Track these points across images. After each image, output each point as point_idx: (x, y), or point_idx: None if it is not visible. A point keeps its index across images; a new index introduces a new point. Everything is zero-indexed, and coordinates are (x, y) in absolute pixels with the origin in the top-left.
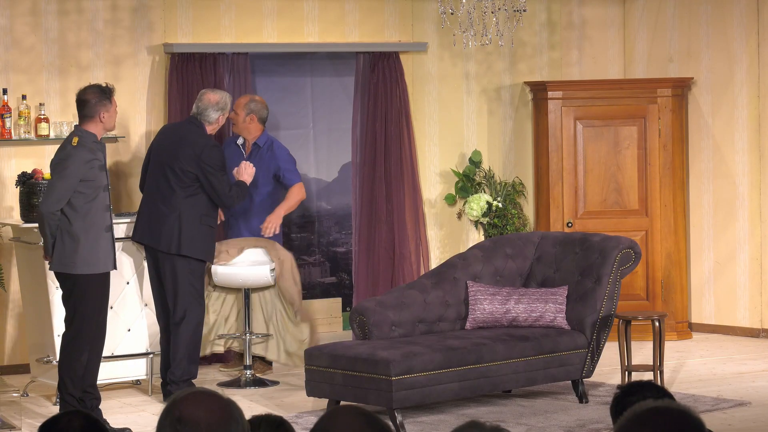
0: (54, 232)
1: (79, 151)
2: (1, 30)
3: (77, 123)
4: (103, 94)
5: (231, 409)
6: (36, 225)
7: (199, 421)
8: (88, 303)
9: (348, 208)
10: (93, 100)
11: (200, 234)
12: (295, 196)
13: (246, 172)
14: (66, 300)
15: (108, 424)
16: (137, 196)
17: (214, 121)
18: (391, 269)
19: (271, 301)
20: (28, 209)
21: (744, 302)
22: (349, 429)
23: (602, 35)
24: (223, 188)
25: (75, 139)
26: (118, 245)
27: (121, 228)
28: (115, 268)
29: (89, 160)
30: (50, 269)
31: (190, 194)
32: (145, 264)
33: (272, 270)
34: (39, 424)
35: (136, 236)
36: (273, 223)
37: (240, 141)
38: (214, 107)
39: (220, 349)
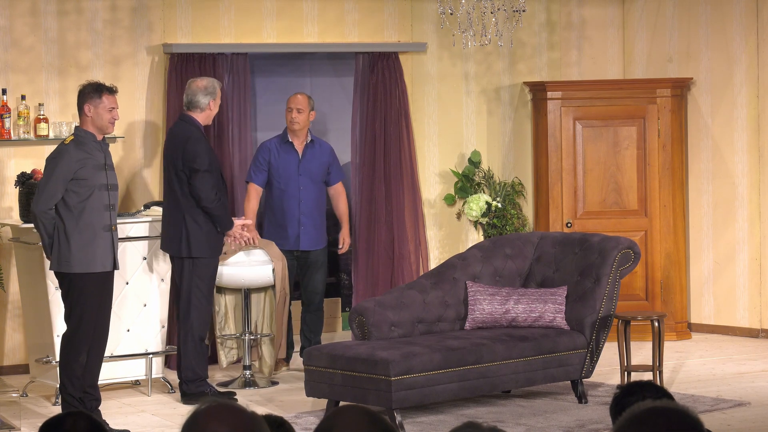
0: (50, 232)
1: (70, 150)
2: (0, 30)
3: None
4: (94, 89)
5: (256, 425)
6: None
7: None
8: (84, 302)
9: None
10: (82, 93)
11: (204, 231)
12: (345, 200)
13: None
14: (64, 298)
15: (107, 425)
16: (137, 197)
17: (205, 107)
18: (390, 269)
19: (261, 306)
20: (27, 209)
21: (743, 302)
22: (353, 428)
23: (601, 35)
24: (204, 186)
25: (69, 138)
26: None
27: (121, 228)
28: (116, 267)
29: (81, 159)
30: (50, 269)
31: (188, 192)
32: (145, 264)
33: (274, 270)
34: (39, 424)
35: (161, 245)
36: (349, 242)
37: (286, 140)
38: (203, 92)
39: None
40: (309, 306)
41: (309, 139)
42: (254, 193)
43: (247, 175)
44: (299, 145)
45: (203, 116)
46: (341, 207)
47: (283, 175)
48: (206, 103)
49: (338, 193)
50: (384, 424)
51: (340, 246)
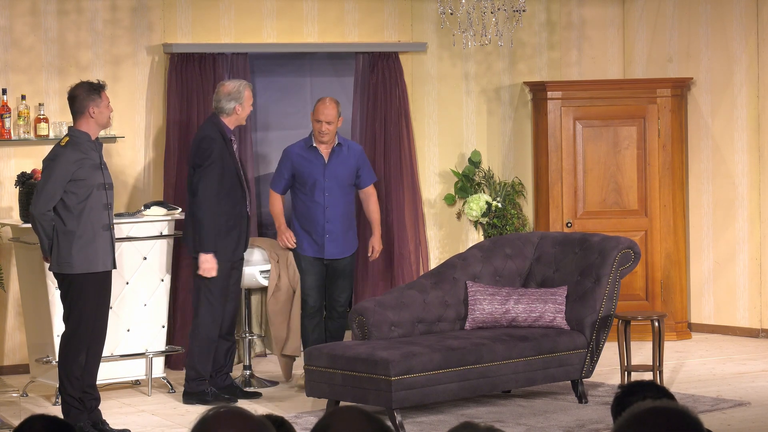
0: (49, 233)
1: (66, 152)
2: (0, 30)
3: (72, 124)
4: (92, 89)
5: (264, 431)
6: None
7: None
8: (84, 303)
9: None
10: (81, 95)
11: (203, 232)
12: (376, 202)
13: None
14: (63, 298)
15: (107, 424)
16: (137, 197)
17: (231, 111)
18: (390, 269)
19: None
20: (27, 209)
21: (743, 302)
22: (349, 428)
23: (602, 35)
24: (201, 184)
25: (64, 140)
26: (117, 246)
27: (120, 228)
28: (114, 267)
29: (78, 160)
30: (49, 269)
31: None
32: (145, 264)
33: (263, 272)
34: None
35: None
36: (379, 249)
37: (310, 144)
38: (227, 98)
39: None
40: (331, 313)
41: (336, 142)
42: (277, 198)
43: (271, 181)
44: (325, 150)
45: (231, 120)
46: (372, 212)
47: (308, 181)
48: (231, 107)
49: (368, 196)
50: (381, 424)
51: (370, 254)
